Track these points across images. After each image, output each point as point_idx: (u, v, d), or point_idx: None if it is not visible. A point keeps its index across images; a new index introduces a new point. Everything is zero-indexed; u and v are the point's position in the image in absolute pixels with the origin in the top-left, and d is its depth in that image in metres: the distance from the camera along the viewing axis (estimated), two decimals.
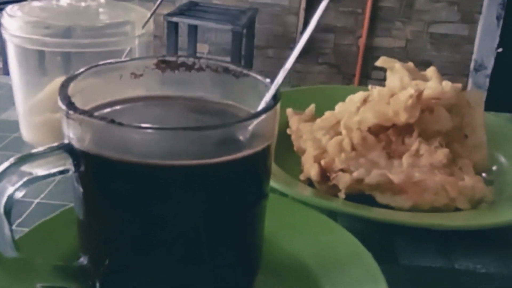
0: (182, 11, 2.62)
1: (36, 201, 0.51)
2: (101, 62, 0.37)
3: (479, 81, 3.01)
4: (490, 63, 2.98)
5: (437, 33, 2.99)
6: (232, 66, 0.39)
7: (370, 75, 3.05)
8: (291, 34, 3.02)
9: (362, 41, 2.98)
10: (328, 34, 3.00)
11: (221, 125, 0.31)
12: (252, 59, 2.83)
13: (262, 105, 0.33)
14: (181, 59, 0.40)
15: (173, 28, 2.56)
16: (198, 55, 2.86)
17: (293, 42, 3.01)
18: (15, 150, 0.62)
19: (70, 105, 0.30)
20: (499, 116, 0.70)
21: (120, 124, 0.28)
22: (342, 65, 3.02)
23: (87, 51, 0.58)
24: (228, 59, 2.76)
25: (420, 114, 0.53)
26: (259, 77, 0.37)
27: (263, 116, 0.31)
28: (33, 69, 0.61)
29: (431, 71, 0.63)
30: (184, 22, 2.59)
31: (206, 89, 0.40)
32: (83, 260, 0.35)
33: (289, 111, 0.64)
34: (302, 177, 0.55)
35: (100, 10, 0.61)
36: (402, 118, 0.52)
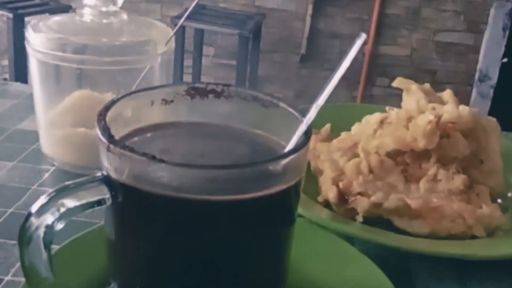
0: (189, 14, 2.63)
1: None
2: (134, 90, 0.38)
3: (484, 91, 3.01)
4: (495, 74, 2.98)
5: (442, 41, 3.00)
6: (261, 95, 0.39)
7: (375, 82, 3.05)
8: (297, 39, 3.03)
9: (367, 48, 2.99)
10: (333, 40, 3.01)
11: (256, 163, 0.32)
12: (257, 63, 2.84)
13: (294, 141, 0.34)
14: (210, 86, 0.40)
15: (180, 31, 2.56)
16: (203, 57, 2.87)
17: (299, 47, 3.02)
18: (35, 162, 0.63)
19: (111, 138, 0.31)
20: (510, 138, 0.70)
21: (161, 160, 0.29)
22: (347, 71, 2.98)
23: (109, 69, 0.59)
24: (234, 62, 2.76)
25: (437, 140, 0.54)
26: (289, 108, 0.38)
27: (297, 153, 0.32)
28: (54, 83, 0.62)
29: (447, 94, 0.63)
30: (191, 26, 2.60)
31: (234, 117, 0.40)
32: (114, 286, 0.35)
33: None
34: (320, 198, 0.56)
35: (123, 27, 0.62)
36: (421, 144, 0.53)
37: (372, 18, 2.95)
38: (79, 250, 0.42)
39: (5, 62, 2.77)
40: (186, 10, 2.76)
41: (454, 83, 3.00)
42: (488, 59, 2.96)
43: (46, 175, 0.61)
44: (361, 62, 3.01)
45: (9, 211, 0.54)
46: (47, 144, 0.63)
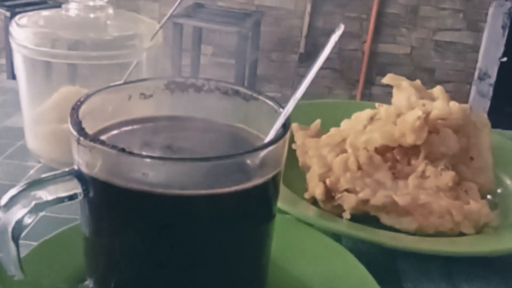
0: (187, 13, 2.62)
1: (41, 213, 0.51)
2: (111, 84, 0.37)
3: (483, 90, 3.00)
4: (494, 72, 2.97)
5: (442, 40, 2.99)
6: (242, 89, 0.39)
7: (374, 81, 3.04)
8: (295, 37, 3.02)
9: (366, 47, 2.98)
10: None
11: (231, 156, 0.31)
12: (256, 62, 2.83)
13: (272, 134, 0.33)
14: (190, 80, 0.40)
15: (178, 29, 2.56)
16: (201, 56, 2.86)
17: (297, 46, 3.01)
18: (21, 159, 0.62)
19: (81, 131, 0.30)
20: (505, 136, 0.69)
21: (131, 153, 0.28)
22: (346, 70, 3.01)
23: (95, 63, 0.58)
24: (232, 61, 2.75)
25: (427, 136, 0.53)
26: (268, 101, 0.37)
27: (273, 146, 0.31)
28: (40, 79, 0.61)
29: (437, 91, 0.63)
30: (189, 24, 2.59)
31: (215, 111, 0.40)
32: (89, 283, 0.35)
33: (294, 126, 0.63)
34: (307, 195, 0.55)
35: (109, 22, 0.61)
36: (409, 139, 0.52)
37: (371, 16, 2.94)
38: (57, 247, 0.41)
39: (3, 61, 2.76)
40: (184, 8, 2.75)
41: (453, 82, 2.99)
42: (487, 57, 2.95)
43: (32, 171, 0.60)
44: (360, 61, 3.01)
45: None
46: (33, 141, 0.62)
